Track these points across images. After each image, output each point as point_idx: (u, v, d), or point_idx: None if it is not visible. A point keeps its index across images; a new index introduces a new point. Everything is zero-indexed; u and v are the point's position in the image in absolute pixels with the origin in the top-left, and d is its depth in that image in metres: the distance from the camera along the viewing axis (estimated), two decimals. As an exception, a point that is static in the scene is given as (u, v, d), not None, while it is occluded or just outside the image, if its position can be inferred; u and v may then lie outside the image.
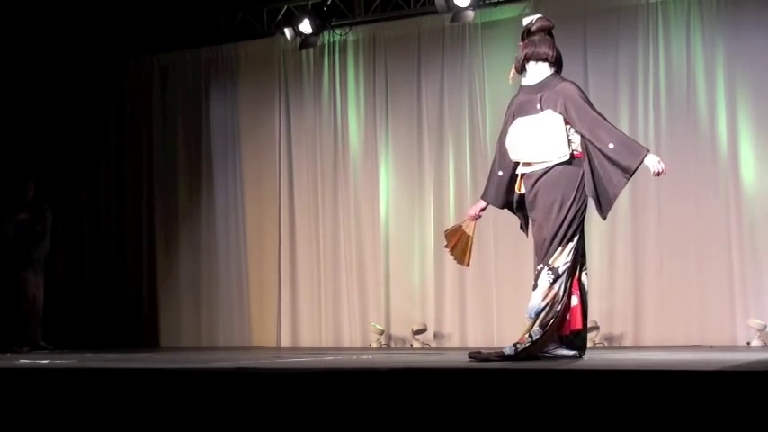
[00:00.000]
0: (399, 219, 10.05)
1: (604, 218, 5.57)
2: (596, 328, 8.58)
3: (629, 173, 5.34)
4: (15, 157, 10.77)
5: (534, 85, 5.54)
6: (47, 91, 11.23)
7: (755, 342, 8.32)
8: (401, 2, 10.10)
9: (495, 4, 9.63)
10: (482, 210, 5.82)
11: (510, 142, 5.57)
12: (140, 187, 11.18)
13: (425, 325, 9.61)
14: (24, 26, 10.67)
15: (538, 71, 5.55)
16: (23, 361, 6.77)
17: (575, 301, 5.45)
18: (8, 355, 8.31)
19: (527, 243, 5.81)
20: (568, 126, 5.42)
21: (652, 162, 5.35)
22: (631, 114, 9.15)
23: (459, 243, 5.85)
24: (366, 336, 9.89)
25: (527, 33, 5.60)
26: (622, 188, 5.41)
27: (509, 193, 5.66)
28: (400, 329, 9.83)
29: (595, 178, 5.38)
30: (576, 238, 5.41)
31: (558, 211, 5.37)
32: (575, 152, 5.43)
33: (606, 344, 8.83)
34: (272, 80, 10.67)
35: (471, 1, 9.34)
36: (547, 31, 5.58)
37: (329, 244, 10.28)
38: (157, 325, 10.94)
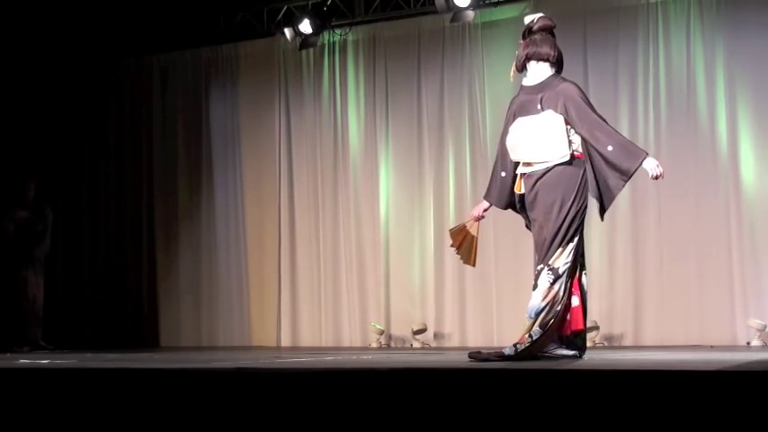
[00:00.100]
0: (399, 219, 10.05)
1: (602, 219, 5.59)
2: (596, 328, 8.57)
3: (626, 176, 5.36)
4: (16, 157, 10.77)
5: (535, 86, 5.54)
6: (47, 91, 11.23)
7: (755, 342, 8.32)
8: (401, 2, 10.10)
9: (495, 4, 9.63)
10: (485, 210, 5.81)
11: (510, 142, 5.57)
12: (140, 187, 11.18)
13: (425, 325, 9.61)
14: (24, 26, 10.66)
15: (539, 71, 5.54)
16: (23, 361, 6.76)
17: (575, 301, 5.45)
18: (8, 355, 8.31)
19: (527, 243, 5.81)
20: (569, 126, 5.42)
21: (650, 165, 5.36)
22: (631, 114, 9.15)
23: (464, 243, 5.84)
24: (366, 336, 9.89)
25: (528, 32, 5.59)
26: (620, 191, 5.42)
27: (512, 194, 5.66)
28: (400, 329, 9.83)
29: (598, 179, 5.39)
30: (576, 239, 5.41)
31: (559, 211, 5.37)
32: (575, 153, 5.43)
33: (606, 344, 8.83)
34: (272, 80, 10.67)
35: (471, 1, 9.34)
36: (548, 31, 5.58)
37: (329, 244, 10.28)
38: (157, 325, 10.94)
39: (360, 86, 10.33)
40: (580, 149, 5.43)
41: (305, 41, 10.16)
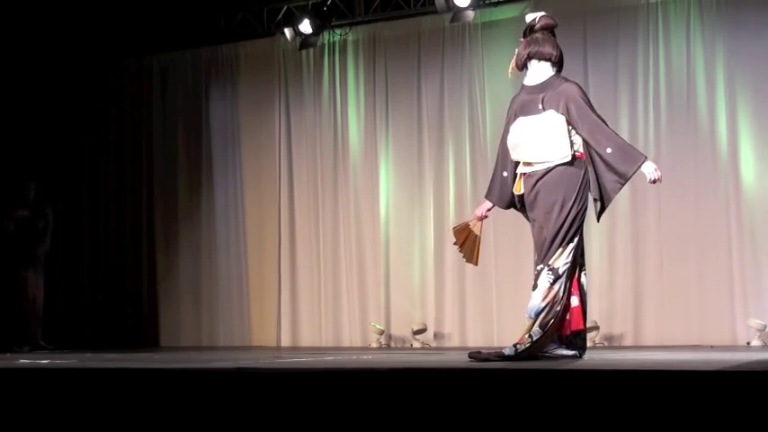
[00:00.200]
0: (399, 219, 10.05)
1: (598, 220, 5.59)
2: (596, 328, 8.57)
3: (623, 179, 5.37)
4: (16, 157, 10.77)
5: (537, 85, 5.53)
6: (47, 91, 11.23)
7: (755, 342, 8.32)
8: (401, 2, 10.10)
9: (495, 4, 9.63)
10: (488, 210, 5.80)
11: (511, 141, 5.56)
12: (140, 187, 11.18)
13: (425, 325, 9.61)
14: (24, 26, 10.66)
15: (540, 70, 5.54)
16: (23, 361, 6.77)
17: (575, 301, 5.45)
18: (8, 355, 8.31)
19: (527, 243, 5.81)
20: (570, 127, 5.41)
21: (649, 169, 5.36)
22: (631, 114, 9.15)
23: (467, 241, 5.84)
24: (366, 336, 9.89)
25: (529, 30, 5.58)
26: (616, 193, 5.43)
27: (513, 194, 5.66)
28: (400, 329, 9.83)
29: (598, 180, 5.39)
30: (576, 239, 5.41)
31: (560, 211, 5.37)
32: (576, 153, 5.43)
33: (606, 344, 8.83)
34: (272, 80, 10.67)
35: (471, 1, 9.34)
36: (550, 30, 5.58)
37: (329, 244, 10.28)
38: (157, 325, 10.94)
39: (360, 86, 10.33)
40: (581, 150, 5.43)
41: (305, 41, 10.16)
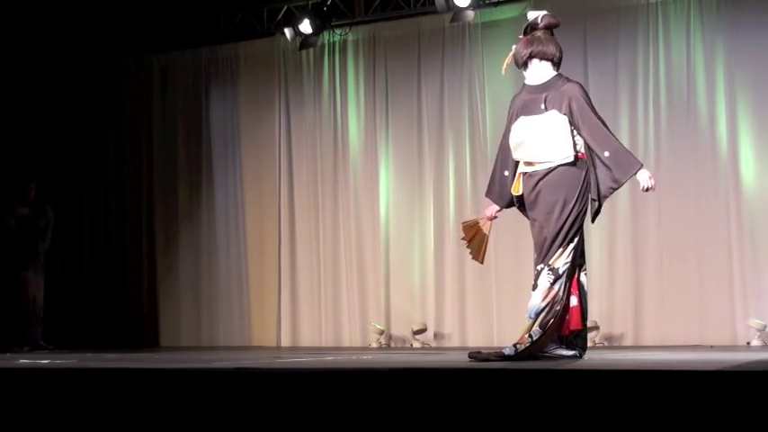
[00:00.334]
0: (399, 219, 10.05)
1: (593, 221, 5.59)
2: (596, 328, 8.57)
3: (617, 184, 5.40)
4: (16, 157, 10.77)
5: (539, 85, 5.52)
6: (47, 91, 11.23)
7: (755, 342, 8.32)
8: (401, 2, 10.10)
9: (495, 4, 9.63)
10: (498, 210, 5.78)
11: (513, 141, 5.54)
12: (140, 187, 11.18)
13: (425, 325, 9.61)
14: (24, 26, 10.66)
15: (542, 70, 5.53)
16: (23, 361, 6.77)
17: (574, 301, 5.45)
18: (8, 355, 8.31)
19: (527, 243, 5.81)
20: (573, 127, 5.41)
21: (643, 177, 5.38)
22: (631, 114, 9.14)
23: (475, 239, 5.84)
24: (366, 336, 9.89)
25: (530, 28, 5.57)
26: (607, 198, 5.44)
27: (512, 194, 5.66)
28: (400, 329, 9.83)
29: (599, 181, 5.40)
30: (576, 239, 5.41)
31: (561, 211, 5.36)
32: (579, 153, 5.42)
33: (606, 344, 8.83)
34: (272, 80, 10.67)
35: (471, 1, 9.34)
36: (551, 29, 5.57)
37: (329, 244, 10.28)
38: (157, 325, 10.94)
39: (360, 86, 10.33)
40: (583, 150, 5.43)
41: (305, 41, 10.16)
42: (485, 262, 5.99)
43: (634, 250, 9.04)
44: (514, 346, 5.31)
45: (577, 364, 5.02)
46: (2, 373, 5.24)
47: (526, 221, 5.65)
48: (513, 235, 8.58)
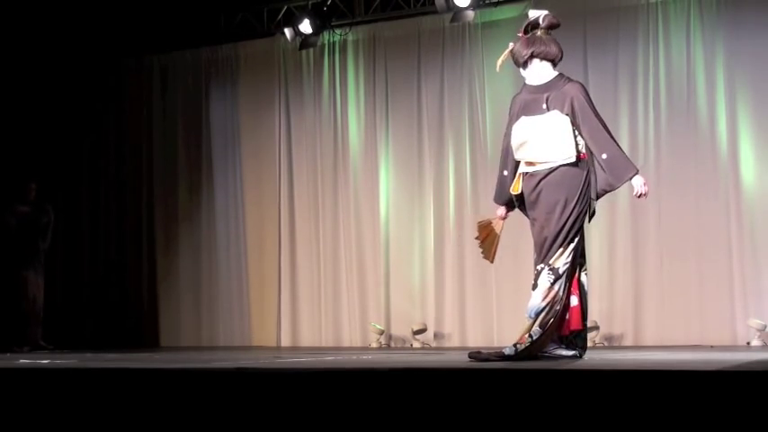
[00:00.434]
0: (399, 219, 10.05)
1: (589, 221, 5.59)
2: (596, 328, 8.57)
3: (611, 188, 5.46)
4: (16, 157, 10.77)
5: (540, 85, 5.51)
6: (47, 91, 11.23)
7: (755, 342, 8.32)
8: (401, 2, 10.10)
9: (495, 4, 9.63)
10: (508, 210, 5.78)
11: (515, 141, 5.54)
12: (140, 187, 11.18)
13: (425, 325, 9.61)
14: (24, 26, 10.66)
15: (543, 70, 5.52)
16: (23, 361, 6.76)
17: (574, 301, 5.45)
18: (8, 355, 8.31)
19: (527, 243, 5.81)
20: (574, 127, 5.41)
21: (638, 183, 5.43)
22: (631, 114, 9.14)
23: (488, 238, 5.85)
24: (366, 336, 9.89)
25: (531, 27, 5.56)
26: (602, 196, 5.47)
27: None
28: (400, 329, 9.83)
29: (596, 181, 5.41)
30: (576, 239, 5.41)
31: (562, 211, 5.36)
32: (581, 153, 5.42)
33: (606, 344, 8.83)
34: (272, 80, 10.67)
35: (471, 1, 9.34)
36: (552, 29, 5.57)
37: (329, 244, 10.28)
38: (157, 325, 10.94)
39: (360, 86, 10.33)
40: (585, 150, 5.43)
41: (305, 41, 10.16)
42: (484, 262, 5.99)
43: (634, 250, 9.04)
44: (514, 345, 5.31)
45: (577, 364, 5.02)
46: (2, 373, 5.24)
47: (526, 221, 5.65)
48: (513, 235, 8.53)
